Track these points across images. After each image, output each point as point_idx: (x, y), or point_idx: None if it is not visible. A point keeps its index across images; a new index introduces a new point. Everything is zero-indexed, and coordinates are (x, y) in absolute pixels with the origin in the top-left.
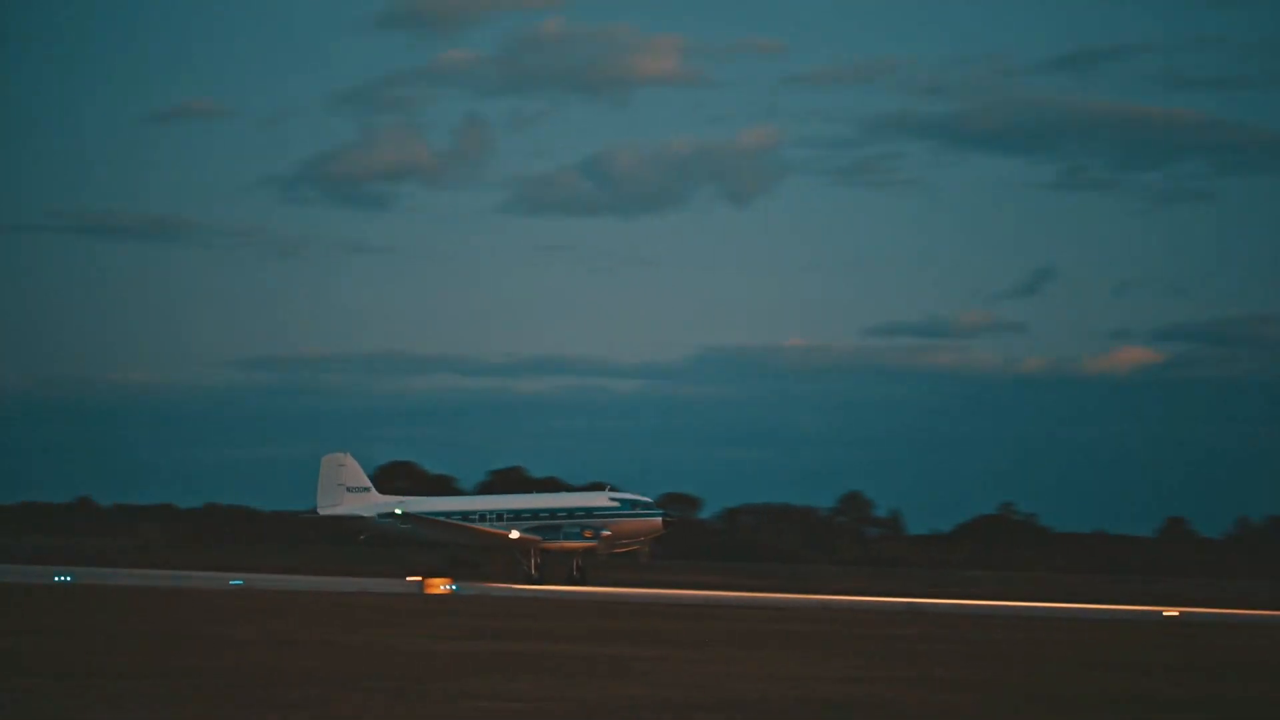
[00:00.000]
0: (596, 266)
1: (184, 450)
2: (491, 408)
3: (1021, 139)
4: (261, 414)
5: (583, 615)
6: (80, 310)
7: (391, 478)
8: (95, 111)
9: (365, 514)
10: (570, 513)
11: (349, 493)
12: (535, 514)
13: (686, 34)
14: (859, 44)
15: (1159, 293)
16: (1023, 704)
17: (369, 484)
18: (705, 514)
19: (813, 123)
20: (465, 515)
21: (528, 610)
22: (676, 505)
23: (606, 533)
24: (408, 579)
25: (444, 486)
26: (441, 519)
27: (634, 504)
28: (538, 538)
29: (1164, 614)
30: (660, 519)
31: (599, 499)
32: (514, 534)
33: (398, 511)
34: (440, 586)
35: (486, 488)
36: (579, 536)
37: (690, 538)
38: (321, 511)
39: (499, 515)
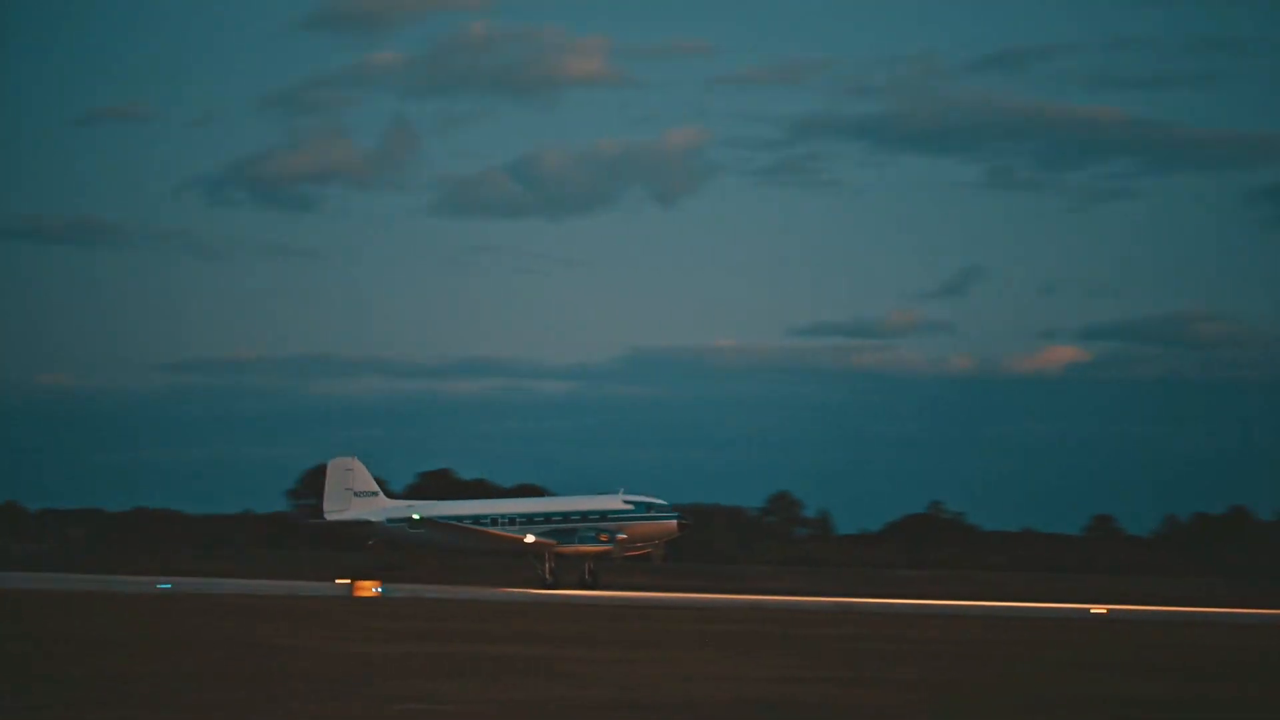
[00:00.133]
0: (524, 268)
1: (112, 454)
2: (420, 410)
3: (948, 139)
4: (189, 417)
5: (517, 617)
6: (6, 313)
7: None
8: (20, 114)
9: (374, 519)
10: (584, 516)
11: (356, 497)
12: (548, 517)
13: (613, 35)
14: (786, 45)
15: (1085, 292)
16: (953, 702)
17: (377, 488)
18: None
19: (740, 123)
20: (477, 519)
21: (458, 612)
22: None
23: (622, 536)
24: (337, 581)
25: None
26: (456, 523)
27: (648, 507)
28: (552, 541)
29: (1092, 611)
30: (675, 522)
31: (613, 502)
32: (529, 538)
33: (415, 516)
34: (369, 589)
35: (416, 491)
36: (594, 540)
37: None
38: (328, 517)
39: (511, 519)
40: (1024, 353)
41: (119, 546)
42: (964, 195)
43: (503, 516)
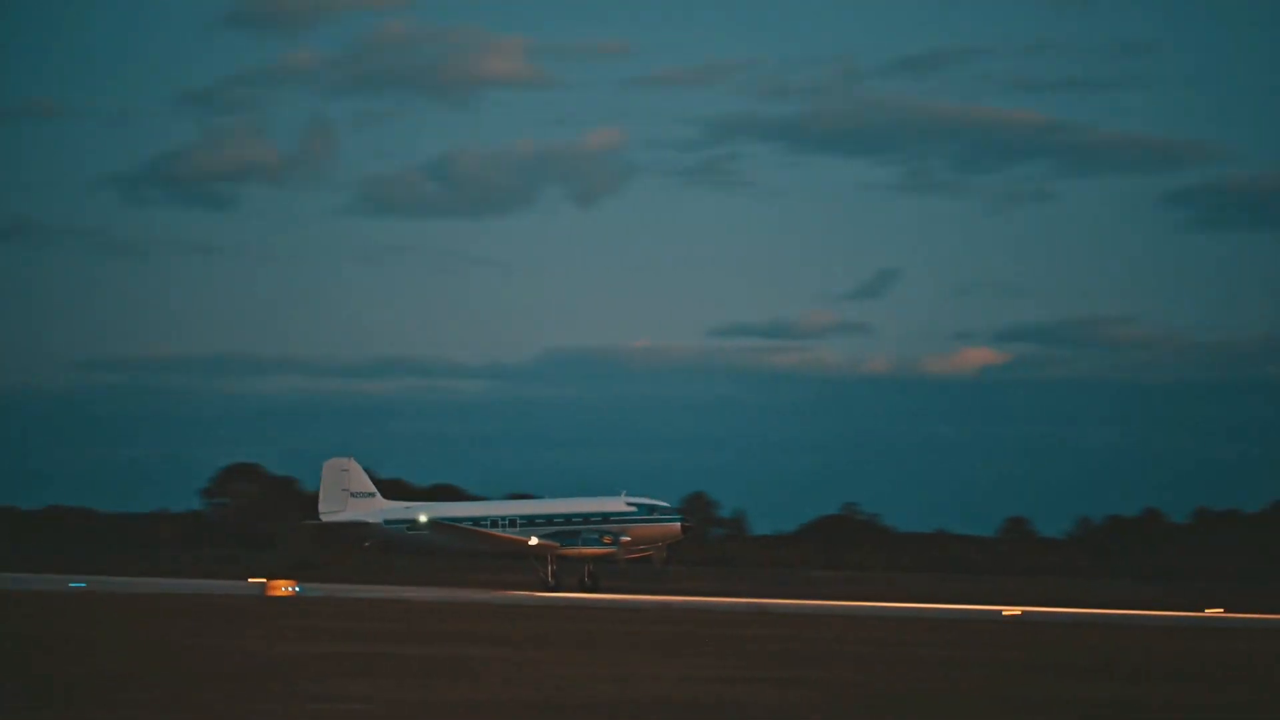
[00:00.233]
0: (442, 268)
1: (26, 452)
2: (336, 409)
3: (865, 141)
4: (104, 415)
5: (433, 617)
6: None
7: (234, 479)
8: None
9: (371, 520)
10: (586, 518)
11: (353, 498)
12: (550, 519)
13: (532, 35)
14: (704, 46)
15: (1001, 294)
16: (864, 703)
17: (374, 489)
18: None
19: (659, 124)
20: (477, 521)
21: (375, 612)
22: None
23: (626, 538)
24: (250, 581)
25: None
26: (462, 525)
27: (652, 509)
28: (555, 544)
29: (1004, 613)
30: (679, 524)
31: (616, 504)
32: (533, 540)
33: (421, 519)
34: (283, 589)
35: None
36: (598, 542)
37: None
38: (324, 518)
39: (512, 521)
40: (939, 354)
41: (32, 545)
42: (881, 197)
43: (503, 518)
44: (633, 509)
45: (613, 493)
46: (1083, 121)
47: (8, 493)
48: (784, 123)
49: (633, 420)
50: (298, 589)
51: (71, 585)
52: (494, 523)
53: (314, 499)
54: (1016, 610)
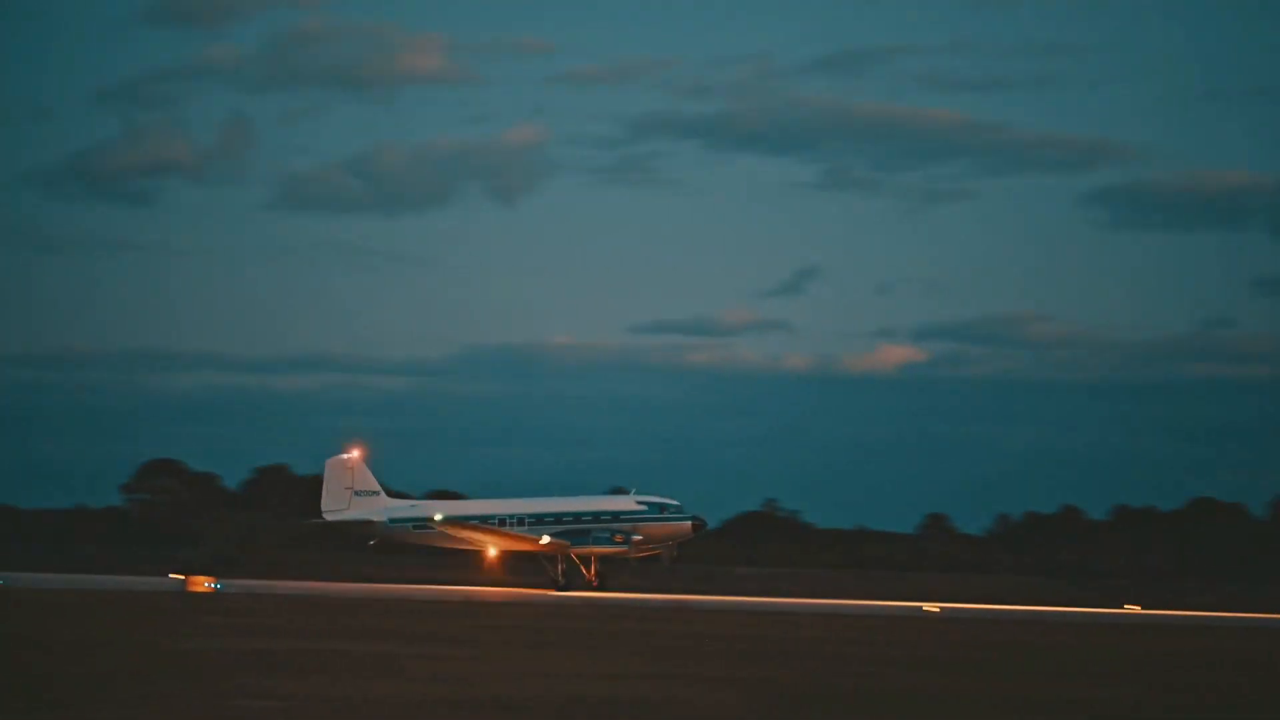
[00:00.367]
0: (362, 264)
1: None
2: (256, 405)
3: (785, 139)
4: (23, 411)
5: (359, 613)
6: None
7: (154, 475)
8: None
9: (375, 518)
10: (596, 516)
11: (357, 496)
12: (559, 518)
13: (453, 32)
14: (625, 43)
15: (920, 292)
16: (787, 700)
17: (378, 487)
18: None
19: (579, 122)
20: (485, 519)
21: (295, 608)
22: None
23: (638, 537)
24: (170, 577)
25: (209, 484)
26: (476, 524)
27: (662, 507)
28: (566, 543)
29: (924, 609)
30: (689, 522)
31: (626, 502)
32: (544, 539)
33: (437, 517)
34: (204, 585)
35: (249, 485)
36: (609, 541)
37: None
38: (328, 517)
39: (520, 519)
40: (859, 352)
41: None
42: (801, 195)
43: (511, 516)
44: (643, 507)
45: (565, 492)
46: (1002, 121)
47: None
48: (704, 121)
49: (554, 417)
50: (218, 585)
51: None
52: (501, 521)
53: (235, 496)
54: (936, 607)
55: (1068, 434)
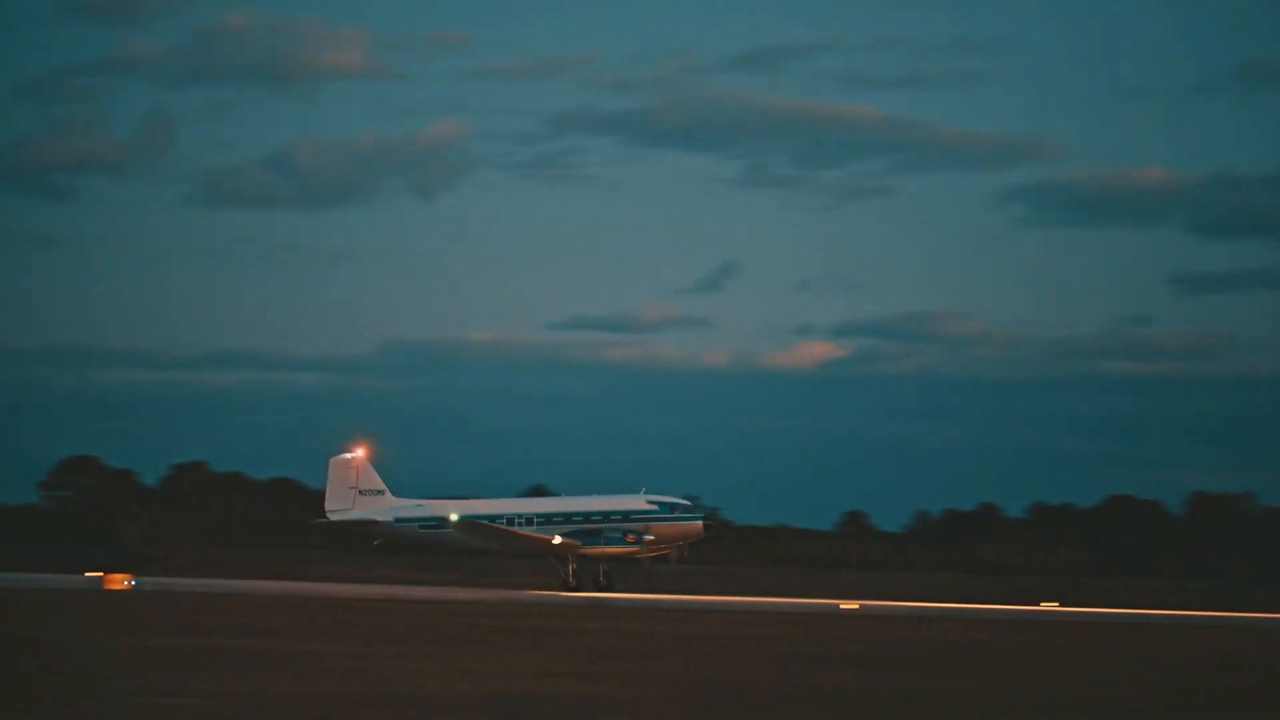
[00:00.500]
0: (282, 259)
1: None
2: (175, 401)
3: (705, 136)
4: None
5: (275, 611)
6: None
7: (71, 472)
8: None
9: (380, 517)
10: (606, 516)
11: (361, 495)
12: (568, 517)
13: (373, 28)
14: (546, 40)
15: (839, 289)
16: (699, 696)
17: (383, 486)
18: None
19: (499, 117)
20: (494, 519)
21: (212, 606)
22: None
23: (649, 537)
24: (87, 575)
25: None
26: (491, 524)
27: (673, 507)
28: (577, 542)
29: (842, 607)
30: (701, 523)
31: (637, 502)
32: (556, 539)
33: (453, 518)
34: (121, 582)
35: (167, 482)
36: (621, 541)
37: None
38: (331, 516)
39: (529, 519)
40: (778, 348)
41: None
42: (721, 192)
43: (519, 516)
44: (654, 507)
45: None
46: (921, 118)
47: None
48: (624, 117)
49: (473, 413)
50: (134, 583)
51: None
52: (510, 520)
53: (153, 493)
54: (855, 604)
55: (986, 431)
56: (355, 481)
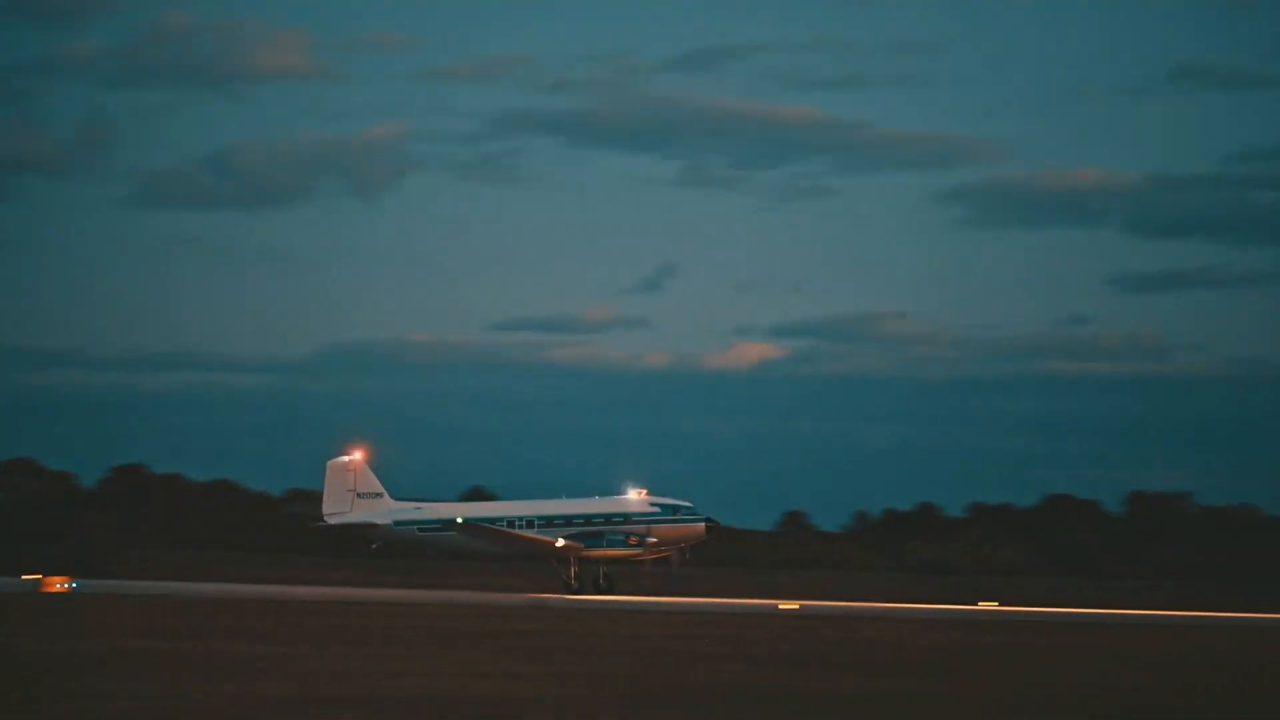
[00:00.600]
0: (221, 261)
1: None
2: (114, 403)
3: (645, 136)
4: None
5: (226, 614)
6: None
7: (9, 474)
8: None
9: (379, 520)
10: (607, 518)
11: (360, 498)
12: (570, 519)
13: (313, 29)
14: (486, 40)
15: (779, 289)
16: (635, 696)
17: (382, 489)
18: None
19: (440, 118)
20: (494, 522)
21: (149, 609)
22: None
23: (652, 539)
24: (24, 577)
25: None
26: (494, 527)
27: (675, 508)
28: (579, 545)
29: (781, 607)
30: (703, 524)
31: (639, 504)
32: (560, 542)
33: (459, 520)
34: (58, 585)
35: (106, 484)
36: (623, 544)
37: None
38: (329, 520)
39: (529, 522)
40: (718, 349)
41: None
42: (661, 192)
43: (520, 519)
44: (656, 509)
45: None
46: (860, 119)
47: None
48: (565, 118)
49: (413, 415)
50: (74, 585)
51: None
52: (510, 523)
53: (92, 495)
54: (794, 604)
55: (925, 431)
56: (353, 484)
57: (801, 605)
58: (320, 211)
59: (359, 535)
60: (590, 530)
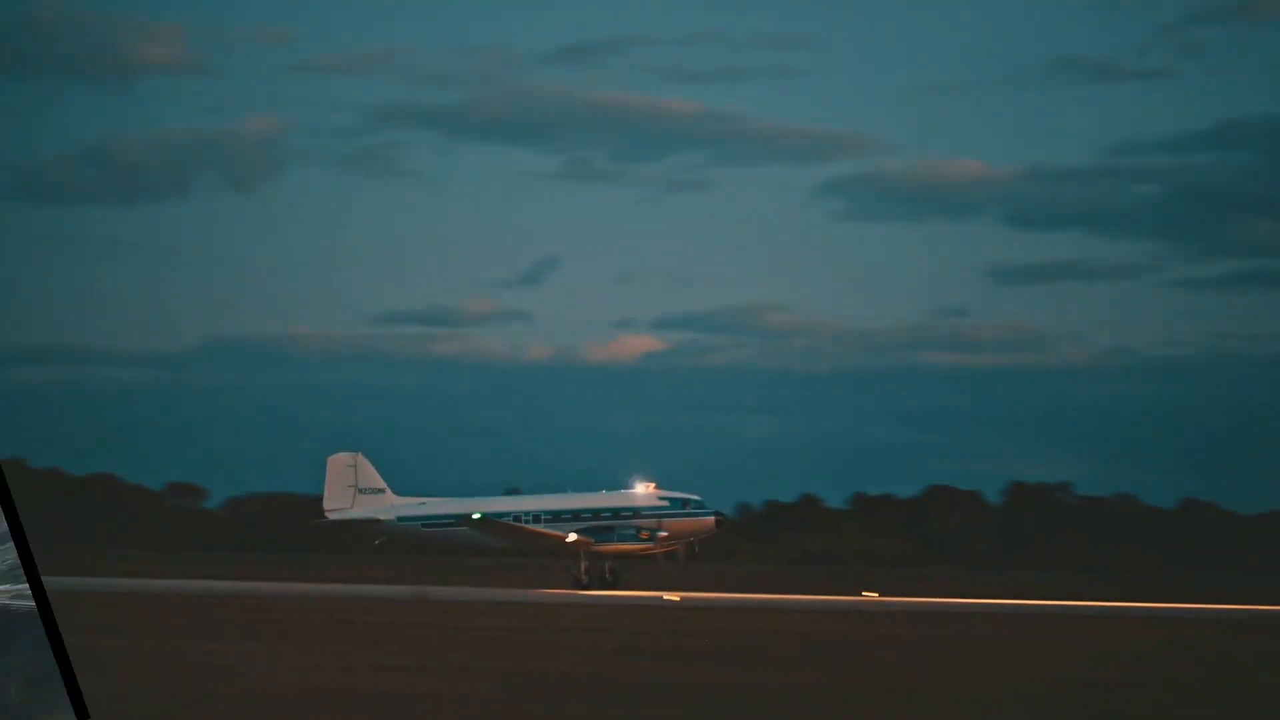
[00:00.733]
0: (98, 255)
1: None
2: None
3: (525, 129)
4: None
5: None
6: None
7: None
8: None
9: (382, 517)
10: (616, 512)
11: (361, 494)
12: (578, 514)
13: (190, 21)
14: (364, 32)
15: (660, 282)
16: (531, 690)
17: (384, 485)
18: (210, 504)
19: (318, 111)
20: (502, 517)
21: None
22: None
23: (663, 534)
24: None
25: None
26: (507, 522)
27: (684, 502)
28: (590, 539)
29: (665, 598)
30: (713, 518)
31: (648, 497)
32: (571, 536)
33: (476, 516)
34: None
35: None
36: (634, 538)
37: (198, 527)
38: (330, 516)
39: (536, 516)
40: (600, 342)
41: None
42: (541, 185)
43: (528, 514)
44: (665, 503)
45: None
46: (740, 112)
47: None
48: (443, 110)
49: (293, 408)
50: None
51: None
52: (515, 518)
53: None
54: (676, 596)
55: (806, 423)
56: (354, 480)
57: (683, 598)
58: (198, 205)
59: (362, 531)
60: (601, 525)
